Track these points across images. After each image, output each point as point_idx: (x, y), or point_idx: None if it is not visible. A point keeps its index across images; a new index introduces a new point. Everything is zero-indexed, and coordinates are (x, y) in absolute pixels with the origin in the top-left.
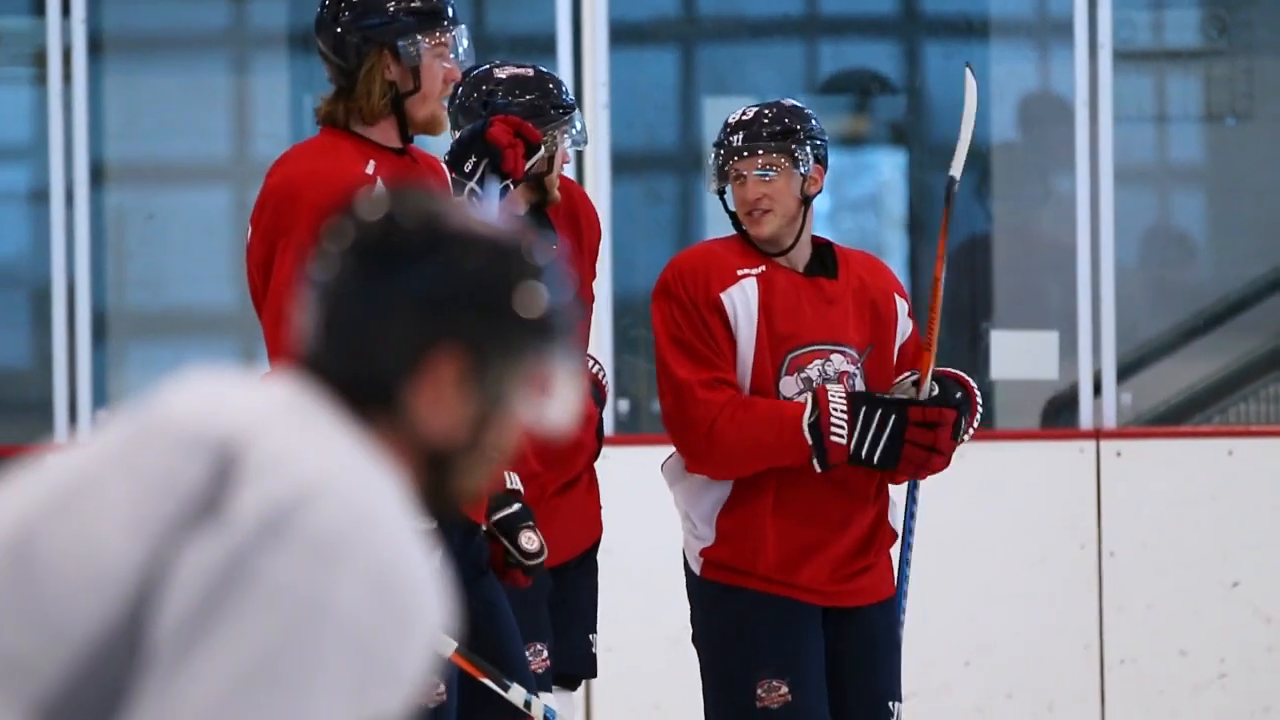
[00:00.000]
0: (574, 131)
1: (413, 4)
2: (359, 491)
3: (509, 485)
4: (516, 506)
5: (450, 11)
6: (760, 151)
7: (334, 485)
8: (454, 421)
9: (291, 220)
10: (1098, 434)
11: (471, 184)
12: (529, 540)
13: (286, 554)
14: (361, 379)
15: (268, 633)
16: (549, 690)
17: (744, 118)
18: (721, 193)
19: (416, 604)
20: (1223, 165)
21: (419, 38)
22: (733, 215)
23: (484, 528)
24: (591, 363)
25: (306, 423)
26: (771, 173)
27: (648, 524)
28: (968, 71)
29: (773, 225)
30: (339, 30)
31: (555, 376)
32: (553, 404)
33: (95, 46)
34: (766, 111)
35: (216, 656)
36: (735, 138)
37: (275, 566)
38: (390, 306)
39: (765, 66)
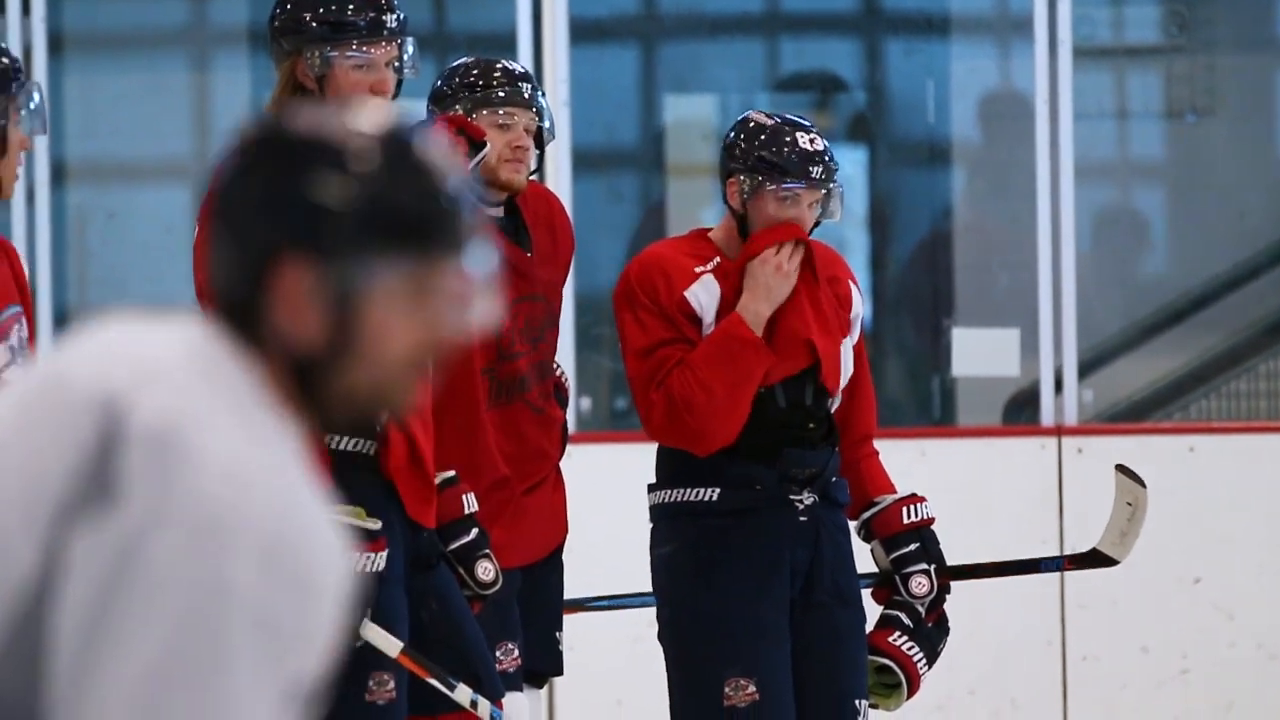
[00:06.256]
0: (545, 125)
1: (330, 16)
2: (240, 458)
3: (466, 509)
4: (473, 534)
5: (387, 24)
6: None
7: (213, 456)
8: (310, 327)
9: None
10: (1059, 431)
11: None
12: (485, 571)
13: (172, 537)
14: (231, 300)
15: (168, 623)
16: (519, 689)
17: (819, 148)
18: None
19: (314, 565)
20: (1183, 162)
21: (329, 49)
22: (739, 217)
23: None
24: (555, 366)
25: (193, 377)
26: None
27: (610, 521)
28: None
29: None
30: (272, 34)
31: (440, 277)
32: (448, 308)
33: (55, 45)
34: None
35: (123, 655)
36: (816, 169)
37: (164, 553)
38: (236, 219)
39: (726, 64)
